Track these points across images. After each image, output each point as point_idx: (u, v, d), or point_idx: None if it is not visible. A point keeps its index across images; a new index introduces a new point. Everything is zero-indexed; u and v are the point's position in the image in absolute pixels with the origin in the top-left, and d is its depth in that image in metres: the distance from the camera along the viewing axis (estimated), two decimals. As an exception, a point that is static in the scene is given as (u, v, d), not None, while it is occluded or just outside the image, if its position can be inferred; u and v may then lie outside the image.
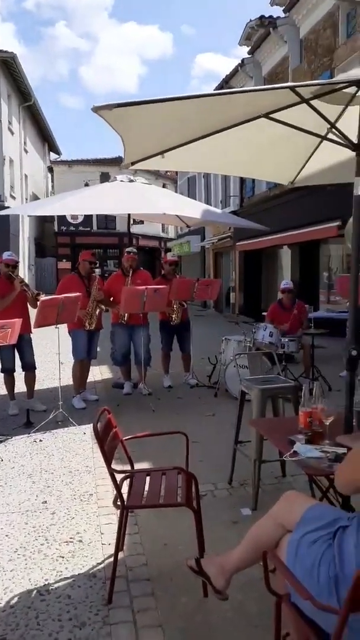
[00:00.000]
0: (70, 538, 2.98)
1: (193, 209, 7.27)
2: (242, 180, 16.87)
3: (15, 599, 2.44)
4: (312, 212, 11.01)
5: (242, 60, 15.09)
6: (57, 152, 32.23)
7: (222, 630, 2.21)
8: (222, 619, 2.28)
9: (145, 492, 2.62)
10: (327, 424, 2.28)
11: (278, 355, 6.01)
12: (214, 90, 13.95)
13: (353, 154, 2.53)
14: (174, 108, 2.33)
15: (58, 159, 31.31)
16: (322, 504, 2.04)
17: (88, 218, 28.44)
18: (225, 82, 16.56)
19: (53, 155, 32.01)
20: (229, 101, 2.39)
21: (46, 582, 2.57)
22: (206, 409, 5.69)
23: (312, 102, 2.67)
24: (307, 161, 3.46)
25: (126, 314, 6.12)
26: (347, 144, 2.46)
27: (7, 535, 3.02)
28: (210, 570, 2.13)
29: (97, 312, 5.85)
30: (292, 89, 2.28)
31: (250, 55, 14.90)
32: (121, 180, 6.97)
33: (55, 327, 5.13)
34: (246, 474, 3.59)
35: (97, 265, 6.25)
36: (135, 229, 26.62)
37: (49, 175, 31.67)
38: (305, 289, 12.06)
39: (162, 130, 2.75)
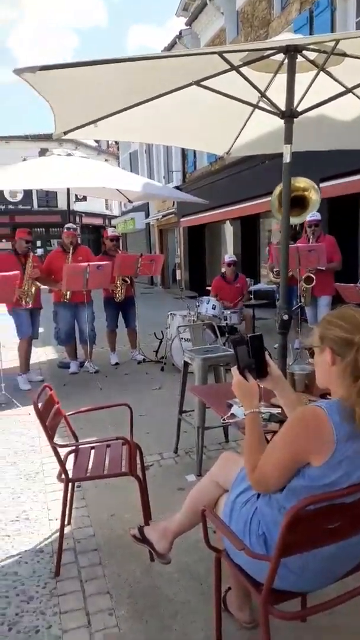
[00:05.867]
0: (17, 517, 2.96)
1: (133, 182, 7.16)
2: (184, 155, 16.76)
3: None
4: (251, 186, 11.12)
5: (180, 32, 14.82)
6: (-8, 127, 30.74)
7: (169, 591, 2.28)
8: (168, 581, 2.34)
9: (90, 465, 2.63)
10: (262, 386, 2.35)
11: (221, 327, 6.11)
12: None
13: (283, 122, 2.57)
14: (102, 73, 2.27)
15: (-7, 135, 29.87)
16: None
17: (28, 196, 27.46)
18: (164, 54, 16.24)
19: (-13, 131, 30.53)
20: (157, 66, 2.35)
21: (-8, 561, 2.54)
22: (153, 383, 5.73)
23: (243, 70, 2.67)
24: (241, 131, 3.47)
25: (68, 292, 6.00)
26: (276, 111, 2.49)
27: None
28: (153, 536, 2.17)
29: (33, 290, 5.70)
30: (220, 54, 2.26)
31: (187, 27, 14.65)
32: (58, 155, 6.75)
33: (-6, 308, 4.99)
34: (191, 442, 3.67)
35: (32, 243, 6.06)
36: (78, 207, 25.96)
37: (-16, 151, 30.18)
38: (247, 262, 12.26)
39: (93, 98, 2.68)
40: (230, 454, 2.07)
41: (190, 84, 2.73)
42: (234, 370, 1.77)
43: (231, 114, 3.36)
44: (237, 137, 3.52)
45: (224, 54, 2.26)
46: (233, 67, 2.39)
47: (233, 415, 2.26)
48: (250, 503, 1.72)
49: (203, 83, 2.73)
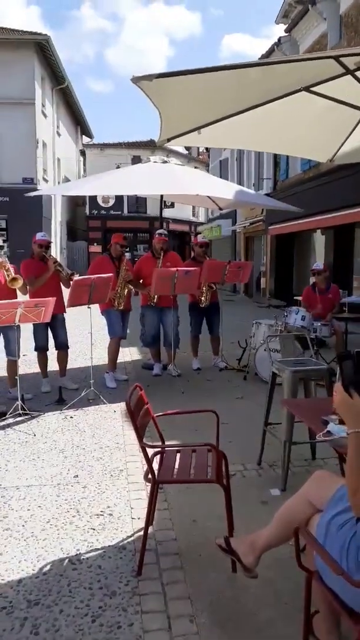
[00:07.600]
0: (101, 511, 3.04)
1: (226, 189, 7.17)
2: (276, 163, 16.54)
3: (48, 567, 2.51)
4: (347, 195, 10.71)
5: (279, 39, 14.66)
6: (90, 136, 32.30)
7: (252, 606, 2.22)
8: (250, 595, 2.29)
9: (176, 468, 2.64)
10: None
11: (310, 339, 5.92)
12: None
13: None
14: (213, 80, 2.29)
15: (90, 143, 31.37)
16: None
17: (119, 202, 28.47)
18: (261, 62, 16.16)
19: (85, 139, 32.10)
20: (269, 72, 2.32)
21: (78, 552, 2.63)
22: (235, 391, 5.67)
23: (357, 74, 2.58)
24: (347, 137, 3.35)
25: (156, 296, 6.12)
26: (392, 116, 2.37)
27: (39, 507, 3.10)
28: (240, 549, 2.13)
29: (125, 293, 5.89)
30: (336, 58, 2.20)
31: (287, 34, 14.47)
32: (154, 162, 6.93)
33: (88, 307, 5.19)
34: (275, 456, 3.58)
35: (127, 248, 6.27)
36: (165, 213, 26.48)
37: (81, 158, 31.80)
38: (339, 273, 11.81)
39: (200, 105, 2.71)
40: (325, 472, 1.98)
41: (298, 90, 2.68)
42: (338, 386, 1.69)
43: (336, 121, 3.25)
44: (343, 143, 3.41)
45: (340, 58, 2.20)
46: (348, 71, 2.31)
47: (329, 433, 2.17)
48: (349, 526, 1.63)
49: (312, 89, 2.67)
